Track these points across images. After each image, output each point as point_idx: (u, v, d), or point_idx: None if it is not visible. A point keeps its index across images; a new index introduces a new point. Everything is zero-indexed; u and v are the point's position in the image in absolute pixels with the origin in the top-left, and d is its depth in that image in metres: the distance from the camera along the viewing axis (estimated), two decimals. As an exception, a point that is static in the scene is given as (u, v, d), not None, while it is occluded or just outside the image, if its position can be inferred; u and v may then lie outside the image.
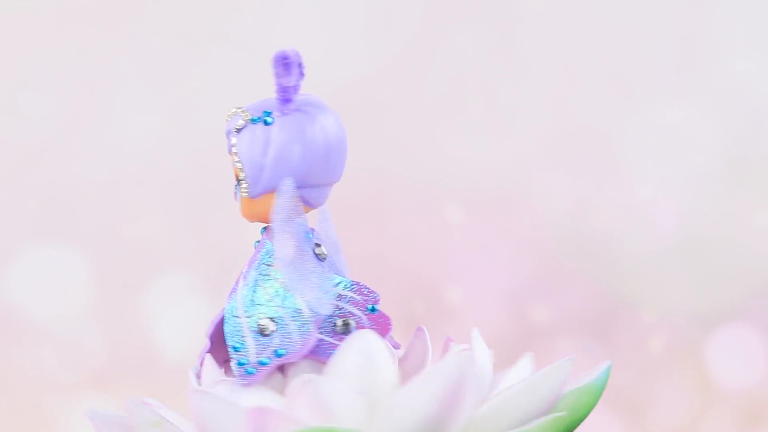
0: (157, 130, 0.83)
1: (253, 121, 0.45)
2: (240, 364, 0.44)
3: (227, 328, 0.45)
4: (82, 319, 0.83)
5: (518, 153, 0.83)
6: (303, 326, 0.45)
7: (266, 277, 0.46)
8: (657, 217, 0.82)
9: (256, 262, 0.46)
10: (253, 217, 0.46)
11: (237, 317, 0.45)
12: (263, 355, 0.45)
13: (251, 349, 0.45)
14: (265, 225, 0.46)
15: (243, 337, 0.45)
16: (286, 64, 0.45)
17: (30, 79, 0.84)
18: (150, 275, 0.82)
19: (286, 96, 0.45)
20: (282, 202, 0.45)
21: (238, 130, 0.45)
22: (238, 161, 0.45)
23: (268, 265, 0.46)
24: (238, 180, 0.45)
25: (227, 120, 0.46)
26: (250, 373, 0.44)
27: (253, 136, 0.45)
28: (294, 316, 0.45)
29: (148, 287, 0.82)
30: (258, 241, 0.46)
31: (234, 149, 0.45)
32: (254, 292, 0.46)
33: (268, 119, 0.45)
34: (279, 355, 0.44)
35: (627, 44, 0.83)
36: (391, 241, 0.85)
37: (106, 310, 0.83)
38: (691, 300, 0.82)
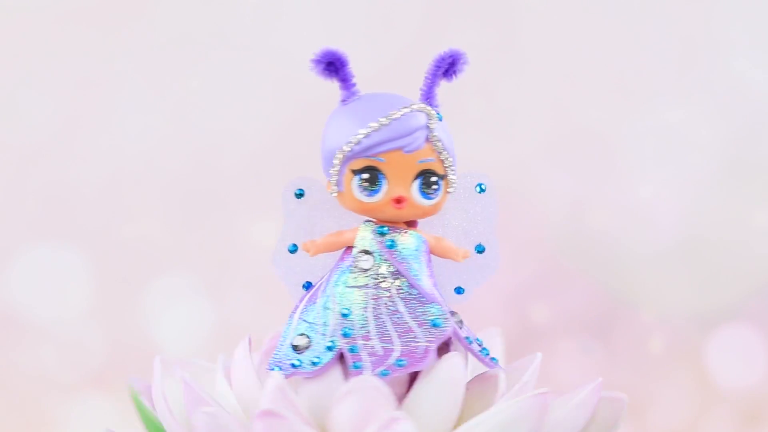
0: (156, 131, 0.84)
1: (439, 117, 0.45)
2: None
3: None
4: (82, 319, 0.83)
5: (518, 153, 0.83)
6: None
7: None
8: (657, 217, 0.82)
9: (422, 257, 0.45)
10: (427, 215, 0.45)
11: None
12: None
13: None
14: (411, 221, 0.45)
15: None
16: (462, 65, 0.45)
17: (29, 80, 0.84)
18: (150, 275, 0.82)
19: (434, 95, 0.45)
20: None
21: (432, 128, 0.44)
22: (448, 156, 0.44)
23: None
24: (439, 177, 0.44)
25: (403, 115, 0.44)
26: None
27: (447, 132, 0.45)
28: None
29: (148, 287, 0.82)
30: (390, 239, 0.45)
31: (440, 144, 0.44)
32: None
33: (441, 117, 0.45)
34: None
35: (627, 44, 0.83)
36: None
37: (106, 310, 0.83)
38: (691, 300, 0.82)
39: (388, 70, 0.80)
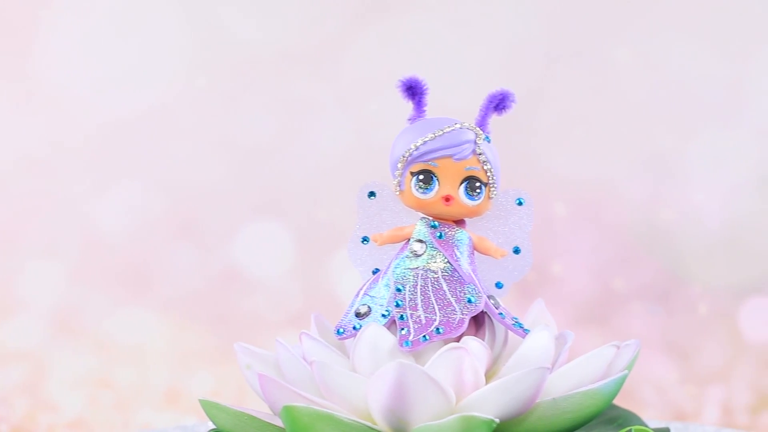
0: (350, 137, 0.91)
1: (487, 139, 0.48)
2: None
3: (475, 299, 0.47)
4: (286, 277, 0.94)
5: (608, 167, 0.92)
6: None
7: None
8: (707, 215, 0.89)
9: (465, 249, 0.48)
10: (471, 215, 0.48)
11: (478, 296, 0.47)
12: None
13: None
14: (458, 220, 0.49)
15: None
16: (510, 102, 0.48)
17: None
18: (335, 247, 0.90)
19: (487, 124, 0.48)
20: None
21: (479, 144, 0.47)
22: (491, 168, 0.48)
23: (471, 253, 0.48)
24: (482, 183, 0.47)
25: (454, 130, 0.47)
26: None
27: (493, 151, 0.48)
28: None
29: (332, 256, 0.91)
30: (436, 227, 0.48)
31: (483, 157, 0.47)
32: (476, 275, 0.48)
33: (489, 139, 0.48)
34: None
35: (684, 81, 0.91)
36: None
37: (303, 271, 0.93)
38: (729, 276, 0.89)
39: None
